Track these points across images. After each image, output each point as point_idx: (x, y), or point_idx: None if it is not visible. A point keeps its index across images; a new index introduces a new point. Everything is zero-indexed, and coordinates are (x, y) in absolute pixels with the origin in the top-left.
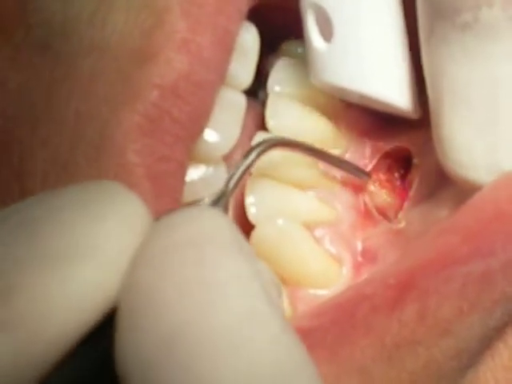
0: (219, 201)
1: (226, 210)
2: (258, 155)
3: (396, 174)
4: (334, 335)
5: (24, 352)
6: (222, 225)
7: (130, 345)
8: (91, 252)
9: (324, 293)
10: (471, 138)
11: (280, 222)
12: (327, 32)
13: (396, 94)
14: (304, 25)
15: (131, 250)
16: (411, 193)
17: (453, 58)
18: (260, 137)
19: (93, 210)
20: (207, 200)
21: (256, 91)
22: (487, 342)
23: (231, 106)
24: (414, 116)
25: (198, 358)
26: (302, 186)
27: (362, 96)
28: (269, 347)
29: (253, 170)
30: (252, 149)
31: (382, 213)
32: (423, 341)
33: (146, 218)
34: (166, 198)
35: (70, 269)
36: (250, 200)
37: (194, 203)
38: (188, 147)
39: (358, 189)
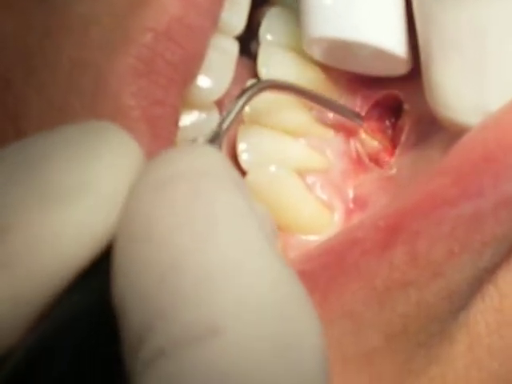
0: (213, 142)
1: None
2: (251, 97)
3: (387, 122)
4: (325, 279)
5: (22, 287)
6: (217, 160)
7: (126, 276)
8: (86, 190)
9: (315, 239)
10: (459, 80)
11: (272, 168)
12: None
13: (395, 43)
14: None
15: (126, 188)
16: (402, 139)
17: (442, 4)
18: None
19: (87, 149)
20: (201, 140)
21: (248, 43)
22: (478, 284)
23: (223, 52)
24: (405, 70)
25: (194, 287)
26: (293, 134)
27: (370, 49)
28: (262, 277)
29: (245, 117)
30: (245, 90)
31: (374, 160)
32: (414, 283)
33: (140, 157)
34: (163, 140)
35: (65, 207)
36: (242, 147)
37: (187, 143)
38: (181, 91)
39: (350, 135)
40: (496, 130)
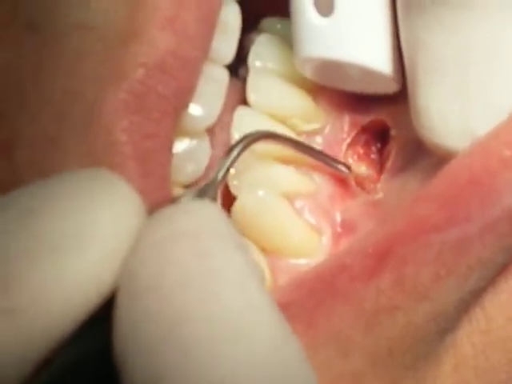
0: (209, 192)
1: (214, 201)
2: (243, 149)
3: (373, 148)
4: (312, 305)
5: (26, 334)
6: (218, 217)
7: (128, 331)
8: (87, 242)
9: (304, 262)
10: (445, 105)
11: (261, 192)
12: (323, 7)
13: (383, 63)
14: (295, 1)
15: (127, 239)
16: (388, 164)
17: (427, 28)
18: (241, 110)
19: (86, 200)
20: (195, 192)
21: (237, 69)
22: (463, 307)
23: (214, 81)
24: (394, 89)
25: (198, 345)
26: (282, 159)
27: (360, 68)
28: (267, 335)
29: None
30: (236, 144)
31: (360, 185)
32: (401, 306)
33: (141, 209)
34: (153, 177)
35: (66, 259)
36: (232, 172)
37: (182, 195)
38: (174, 122)
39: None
40: (482, 154)
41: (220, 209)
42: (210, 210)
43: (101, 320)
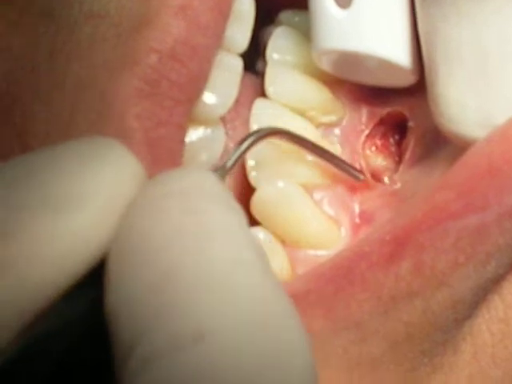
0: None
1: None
2: (254, 141)
3: (391, 139)
4: (331, 292)
5: (20, 290)
6: (212, 181)
7: (118, 286)
8: (86, 201)
9: (323, 253)
10: (463, 93)
11: (280, 184)
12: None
13: (401, 55)
14: None
15: (124, 200)
16: (406, 155)
17: (445, 17)
18: (259, 103)
19: (89, 162)
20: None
21: (254, 63)
22: (481, 294)
23: (228, 69)
24: (412, 81)
25: (186, 301)
26: (300, 152)
27: (378, 60)
28: (253, 293)
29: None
30: (246, 137)
31: (378, 177)
32: (420, 292)
33: (140, 172)
34: (164, 163)
35: (63, 217)
36: (251, 163)
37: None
38: (187, 110)
39: (355, 152)
40: (501, 143)
41: (218, 178)
42: (207, 175)
43: (94, 281)
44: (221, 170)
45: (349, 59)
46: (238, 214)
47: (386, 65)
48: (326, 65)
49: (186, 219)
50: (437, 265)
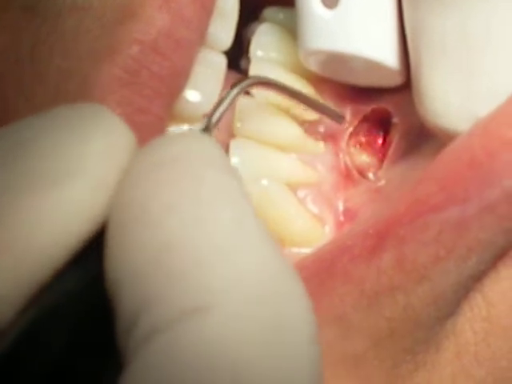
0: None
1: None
2: (240, 91)
3: (375, 136)
4: (314, 286)
5: (19, 269)
6: (208, 144)
7: (118, 258)
8: (78, 172)
9: (307, 251)
10: (447, 87)
11: (264, 182)
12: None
13: (388, 55)
14: None
15: (118, 170)
16: (390, 151)
17: (430, 10)
18: (243, 99)
19: (79, 131)
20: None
21: (238, 60)
22: (462, 291)
23: (212, 66)
24: (399, 81)
25: (188, 267)
26: (284, 148)
27: (365, 61)
28: (256, 255)
29: (235, 131)
30: (233, 85)
31: (362, 173)
32: (401, 287)
33: (132, 140)
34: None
35: (57, 190)
36: (234, 161)
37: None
38: (167, 103)
39: (340, 149)
40: (482, 135)
41: (216, 141)
42: (202, 137)
43: (93, 254)
44: (207, 126)
45: (336, 59)
46: (234, 178)
47: (373, 65)
48: (313, 65)
49: (185, 186)
50: (418, 258)
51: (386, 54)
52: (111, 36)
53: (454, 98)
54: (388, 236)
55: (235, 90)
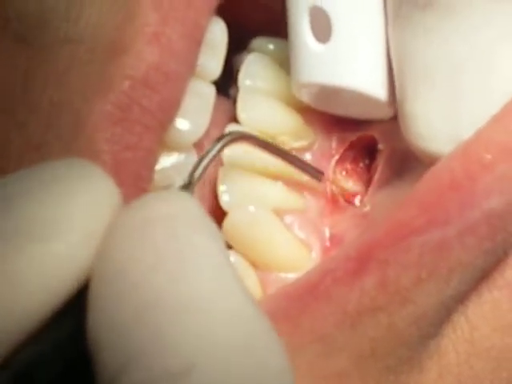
0: (186, 188)
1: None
2: (222, 147)
3: (361, 164)
4: (298, 309)
5: (2, 322)
6: (191, 204)
7: (100, 315)
8: (62, 228)
9: (294, 276)
10: (430, 110)
11: (251, 208)
12: (321, 33)
13: (382, 90)
14: (293, 26)
15: (103, 227)
16: (376, 177)
17: (415, 36)
18: (231, 128)
19: (66, 186)
20: (176, 186)
21: (227, 89)
22: (444, 312)
23: (201, 96)
24: (390, 115)
25: (171, 333)
26: (271, 176)
27: (356, 94)
28: (232, 315)
29: (224, 159)
30: (217, 140)
31: (348, 200)
32: (384, 308)
33: (116, 196)
34: (129, 186)
35: (41, 245)
36: (222, 188)
37: (162, 189)
38: (158, 136)
39: (326, 176)
40: (463, 158)
41: (196, 200)
42: (185, 197)
43: (74, 309)
44: (190, 181)
45: (327, 92)
46: (218, 239)
47: (364, 98)
48: (305, 97)
49: (169, 246)
50: (400, 280)
51: (376, 86)
52: (102, 71)
53: (437, 121)
54: (370, 259)
55: (217, 147)
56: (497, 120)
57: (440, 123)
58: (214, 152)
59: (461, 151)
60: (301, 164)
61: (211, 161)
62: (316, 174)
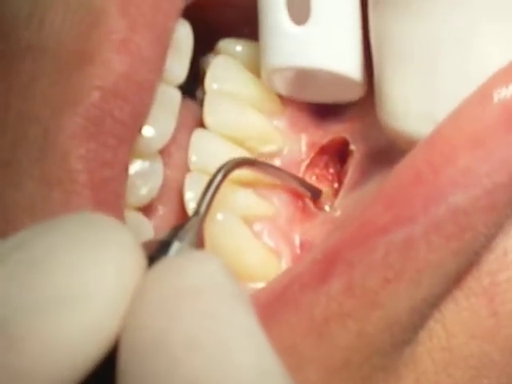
0: (190, 230)
1: (200, 233)
2: (224, 176)
3: (332, 170)
4: (266, 317)
5: None
6: (221, 273)
7: None
8: (88, 295)
9: (263, 285)
10: (407, 90)
11: (219, 216)
12: (297, 16)
13: (356, 70)
14: (267, 9)
15: (129, 293)
16: (346, 180)
17: (396, 17)
18: (198, 133)
19: (90, 250)
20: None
21: (194, 91)
22: (418, 317)
23: (166, 101)
24: (361, 93)
25: None
26: (240, 183)
27: (332, 75)
28: None
29: (191, 166)
30: (218, 171)
31: (319, 206)
32: (352, 313)
33: (143, 259)
34: (108, 206)
35: (68, 313)
36: (189, 195)
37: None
38: (130, 148)
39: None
40: (427, 151)
41: (221, 263)
42: (213, 264)
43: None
44: (196, 214)
45: (300, 76)
46: (251, 311)
47: (339, 80)
48: (276, 84)
49: (203, 324)
50: (367, 283)
51: (352, 67)
52: (69, 82)
53: (413, 102)
54: (336, 261)
55: (218, 178)
56: (460, 110)
57: (416, 103)
58: (215, 185)
59: (424, 143)
60: (301, 183)
61: (215, 192)
62: (315, 192)
